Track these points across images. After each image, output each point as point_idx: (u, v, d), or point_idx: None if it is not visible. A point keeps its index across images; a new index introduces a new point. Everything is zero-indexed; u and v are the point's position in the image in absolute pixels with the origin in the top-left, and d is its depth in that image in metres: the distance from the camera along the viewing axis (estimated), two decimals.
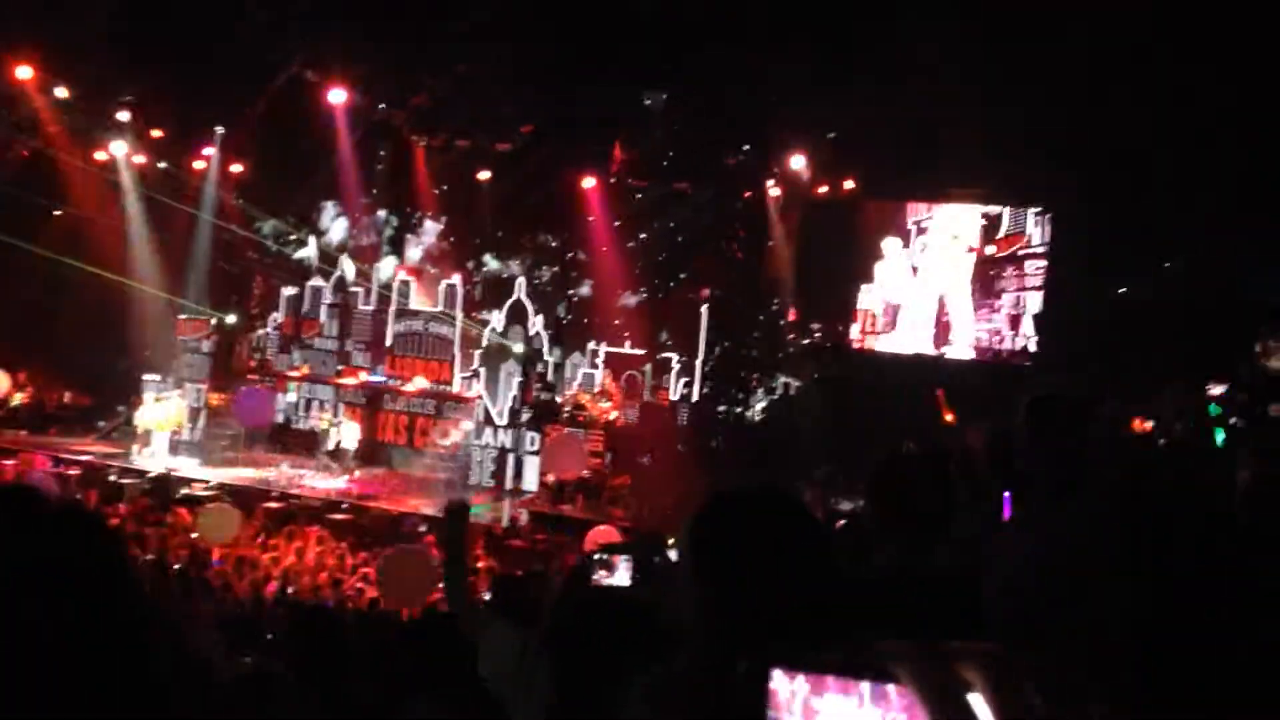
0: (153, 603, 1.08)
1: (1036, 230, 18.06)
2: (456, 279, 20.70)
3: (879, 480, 2.99)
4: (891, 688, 1.07)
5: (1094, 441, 3.14)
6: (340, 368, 20.89)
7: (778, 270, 20.07)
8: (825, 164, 19.13)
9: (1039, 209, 17.86)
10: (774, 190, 19.77)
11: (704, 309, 20.29)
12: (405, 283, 21.15)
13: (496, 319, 20.02)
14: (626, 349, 20.39)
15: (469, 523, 3.77)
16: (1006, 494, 3.50)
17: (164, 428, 18.99)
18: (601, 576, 3.30)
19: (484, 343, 19.76)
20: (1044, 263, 17.89)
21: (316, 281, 21.49)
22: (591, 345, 20.55)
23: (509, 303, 20.05)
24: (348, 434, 19.12)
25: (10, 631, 0.94)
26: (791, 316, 20.03)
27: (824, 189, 19.57)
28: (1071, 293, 17.17)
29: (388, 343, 20.82)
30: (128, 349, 21.33)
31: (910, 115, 15.64)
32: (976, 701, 1.04)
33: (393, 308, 20.81)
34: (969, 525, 3.19)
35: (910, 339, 19.06)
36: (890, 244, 19.26)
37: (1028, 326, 18.11)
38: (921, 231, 19.09)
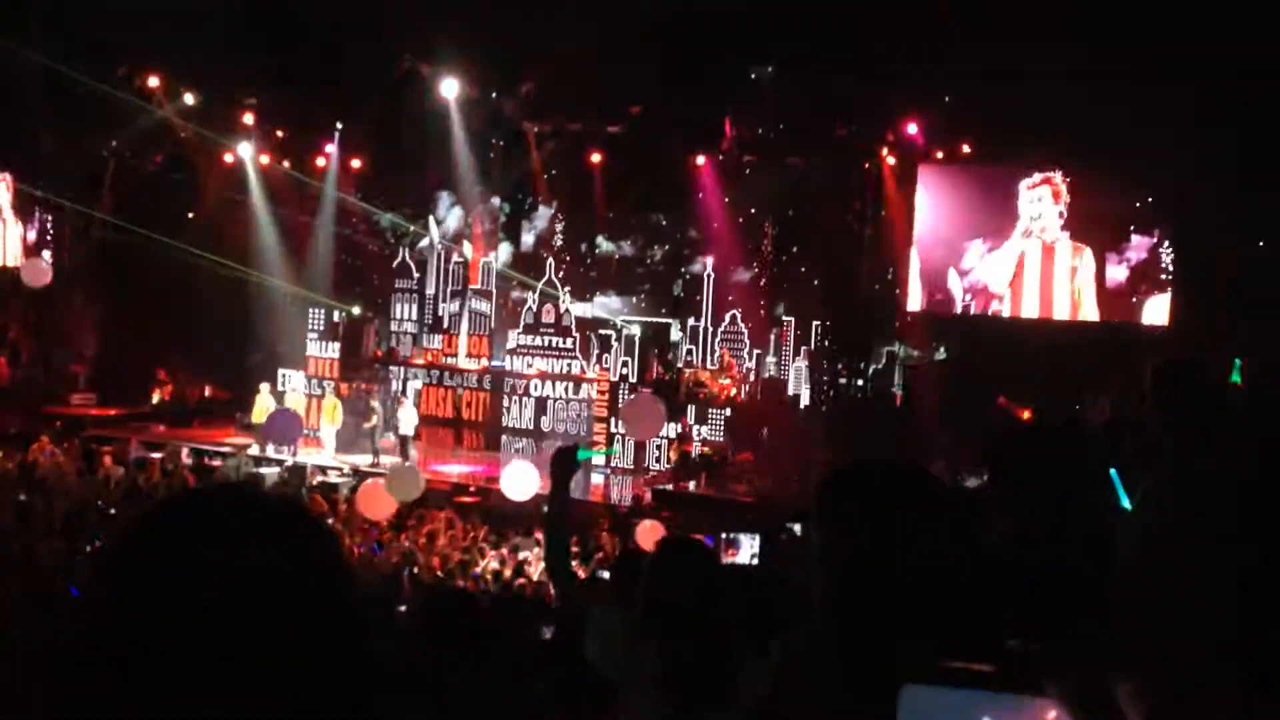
0: (360, 604, 1.07)
1: (1160, 192, 17.37)
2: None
3: (997, 452, 2.91)
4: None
5: (1226, 404, 3.01)
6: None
7: (894, 239, 19.73)
8: (941, 129, 18.69)
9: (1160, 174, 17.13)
10: (889, 158, 19.42)
11: (817, 282, 20.09)
12: (460, 263, 21.52)
13: (612, 300, 20.14)
14: (744, 324, 20.33)
15: (576, 469, 3.60)
16: (1113, 471, 3.37)
17: (332, 423, 19.36)
18: (729, 554, 3.29)
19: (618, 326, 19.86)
20: (1168, 226, 17.21)
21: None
22: (706, 323, 20.55)
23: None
24: (405, 419, 19.40)
25: (235, 636, 0.96)
26: (909, 286, 19.66)
27: (940, 155, 19.14)
28: (1201, 252, 16.48)
29: (444, 323, 21.34)
30: (262, 343, 22.12)
31: (1026, 78, 15.18)
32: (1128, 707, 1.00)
33: (450, 287, 21.30)
34: (1092, 500, 3.10)
35: (1032, 306, 18.54)
36: (1014, 208, 18.71)
37: (1154, 289, 17.45)
38: (1042, 196, 18.51)
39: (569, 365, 20.31)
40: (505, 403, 20.37)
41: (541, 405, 20.05)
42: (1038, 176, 18.37)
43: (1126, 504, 3.28)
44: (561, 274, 21.49)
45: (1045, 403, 14.38)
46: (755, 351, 20.33)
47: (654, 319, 21.85)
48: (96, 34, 17.60)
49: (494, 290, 21.59)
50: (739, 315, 20.53)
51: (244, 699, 0.96)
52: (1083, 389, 13.07)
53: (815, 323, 20.00)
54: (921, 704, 1.09)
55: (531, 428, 20.00)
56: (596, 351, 20.10)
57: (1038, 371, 15.51)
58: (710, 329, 20.46)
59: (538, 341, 20.69)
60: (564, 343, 20.51)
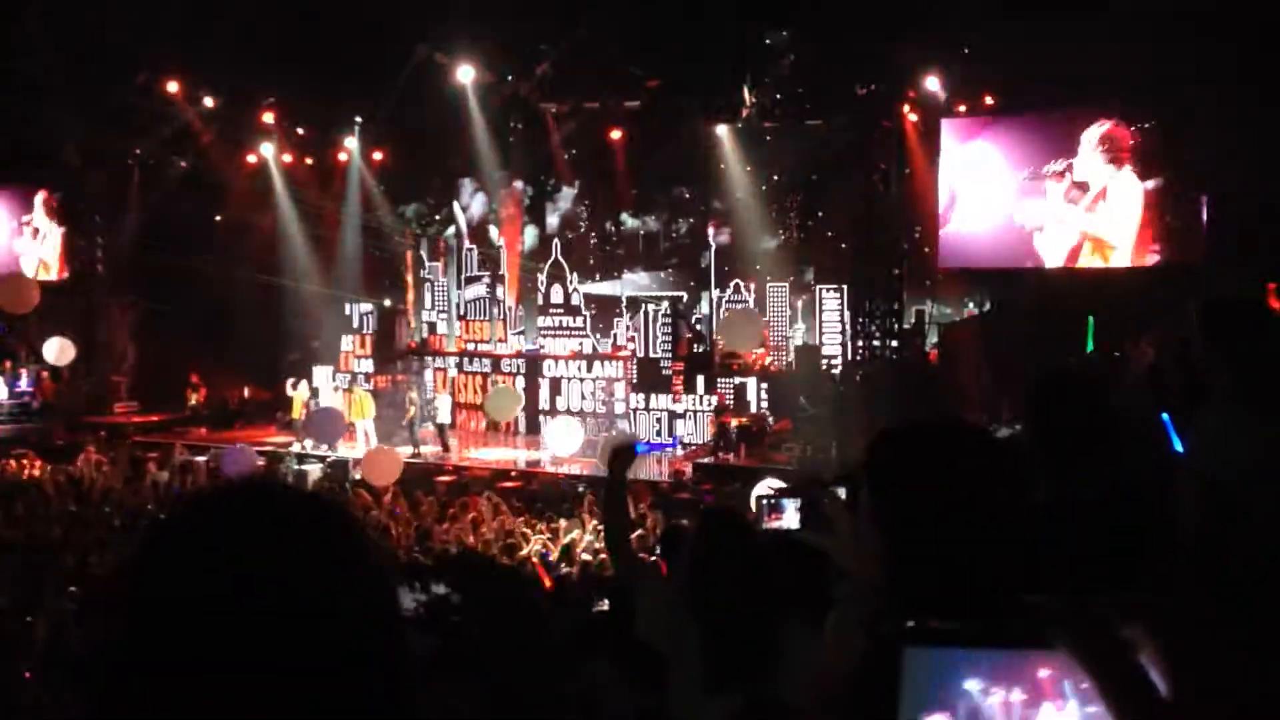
0: (395, 594, 1.06)
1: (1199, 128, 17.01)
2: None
3: (1032, 400, 2.85)
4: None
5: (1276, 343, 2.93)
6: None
7: (922, 196, 19.53)
8: (962, 83, 18.45)
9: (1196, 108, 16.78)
10: (910, 115, 19.20)
11: (845, 245, 19.95)
12: (469, 250, 21.69)
13: (639, 276, 20.14)
14: (771, 292, 20.29)
15: (633, 462, 3.68)
16: (1165, 416, 3.28)
17: (363, 416, 19.62)
18: (771, 519, 3.27)
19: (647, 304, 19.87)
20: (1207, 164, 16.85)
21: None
22: (732, 292, 20.50)
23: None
24: (442, 408, 19.43)
25: (266, 631, 0.95)
26: (939, 242, 19.47)
27: (963, 108, 18.89)
28: (1244, 189, 16.15)
29: (473, 310, 21.49)
30: (296, 341, 22.31)
31: (1049, 20, 14.92)
32: (1147, 663, 0.98)
33: (463, 274, 21.46)
34: (1136, 446, 3.03)
35: (1065, 252, 18.28)
36: (1055, 154, 18.41)
37: (1196, 228, 17.15)
38: (1072, 141, 18.21)
39: (580, 345, 20.41)
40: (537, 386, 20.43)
41: (556, 385, 20.08)
42: (1089, 122, 17.99)
43: (1179, 448, 3.21)
44: (573, 255, 21.50)
45: (1086, 352, 14.22)
46: (786, 317, 20.27)
47: (680, 293, 21.82)
48: (114, 43, 17.71)
49: (510, 275, 21.68)
50: (741, 284, 20.52)
51: (275, 698, 0.95)
52: (1124, 335, 12.90)
53: (845, 285, 19.89)
54: (923, 664, 1.09)
55: (566, 409, 20.05)
56: (624, 329, 20.12)
57: (1077, 320, 15.32)
58: (740, 298, 20.40)
59: (548, 322, 20.81)
60: (573, 322, 20.59)
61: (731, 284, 20.80)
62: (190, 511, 1.04)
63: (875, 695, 1.08)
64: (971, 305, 19.26)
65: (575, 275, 20.91)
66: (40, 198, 23.35)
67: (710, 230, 21.97)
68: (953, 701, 1.07)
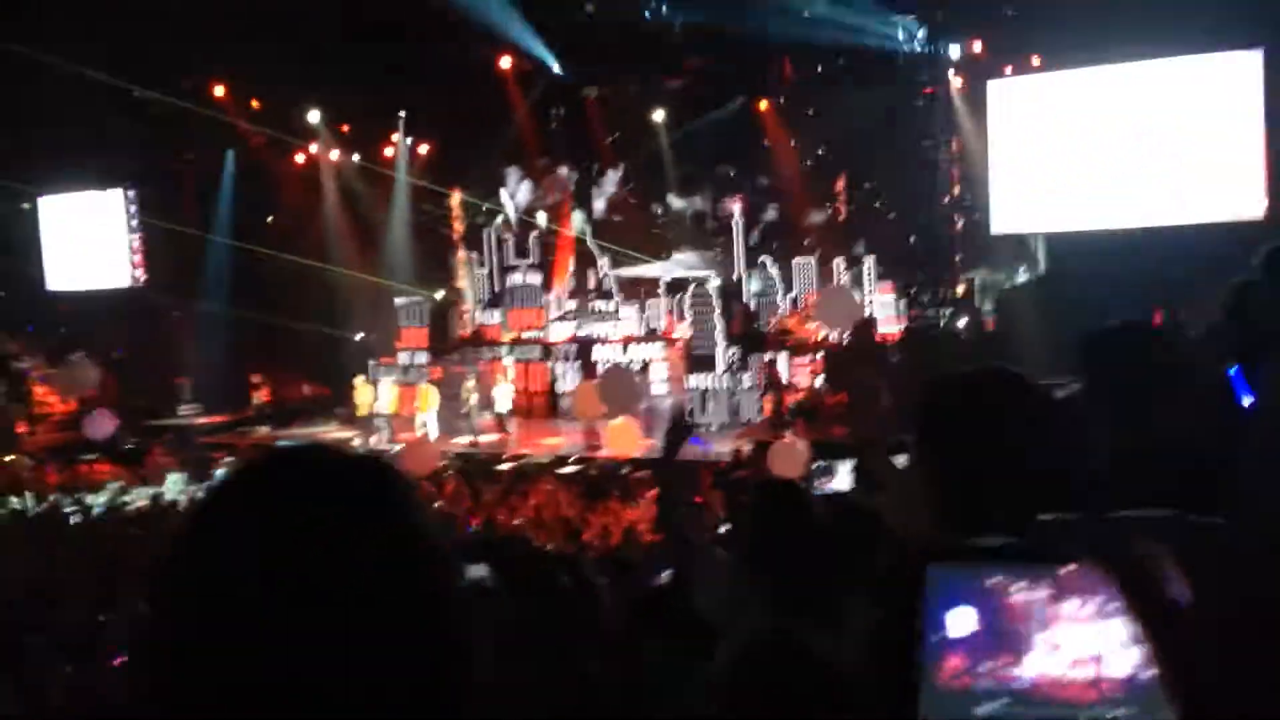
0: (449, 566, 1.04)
1: (1251, 73, 16.57)
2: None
3: (1088, 352, 2.81)
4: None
5: None
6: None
7: (971, 162, 19.25)
8: (1006, 43, 18.13)
9: (1256, 47, 16.31)
10: (955, 79, 18.92)
11: (893, 215, 19.75)
12: (503, 239, 21.81)
13: (690, 257, 20.11)
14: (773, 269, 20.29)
15: (688, 437, 3.70)
16: (1235, 368, 3.19)
17: (425, 409, 19.77)
18: (823, 482, 3.27)
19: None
20: (1263, 108, 16.41)
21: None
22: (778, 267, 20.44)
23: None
24: (501, 396, 19.49)
25: (320, 595, 0.93)
26: (990, 208, 19.18)
27: (1009, 70, 18.57)
28: None
29: (524, 298, 21.65)
30: (352, 337, 22.57)
31: None
32: (1167, 573, 0.98)
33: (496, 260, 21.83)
34: (1195, 398, 2.95)
35: (1120, 213, 17.91)
36: (1087, 112, 18.05)
37: (1255, 178, 16.72)
38: (1120, 95, 17.82)
39: (614, 327, 20.59)
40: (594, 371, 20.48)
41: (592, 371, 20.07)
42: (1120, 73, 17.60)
43: (1247, 401, 3.13)
44: (620, 238, 21.48)
45: (1145, 313, 13.93)
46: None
47: (729, 272, 21.73)
48: (161, 48, 17.98)
49: (558, 261, 21.77)
50: (767, 262, 20.43)
51: (326, 671, 0.93)
52: (1182, 293, 12.64)
53: (895, 256, 19.69)
54: (946, 582, 1.10)
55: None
56: (673, 310, 20.12)
57: (1137, 282, 15.01)
58: (791, 274, 20.31)
59: (600, 306, 21.05)
60: (623, 305, 20.60)
61: (763, 260, 20.73)
62: (240, 479, 1.02)
63: (900, 612, 1.09)
64: (1024, 271, 18.95)
65: (623, 258, 20.92)
66: (99, 203, 23.83)
67: (756, 207, 21.83)
68: (976, 598, 1.07)
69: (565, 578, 3.54)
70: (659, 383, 19.52)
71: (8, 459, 17.13)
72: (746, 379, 18.78)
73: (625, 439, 14.34)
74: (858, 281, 19.94)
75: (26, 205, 23.91)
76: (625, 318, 20.79)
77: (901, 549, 2.06)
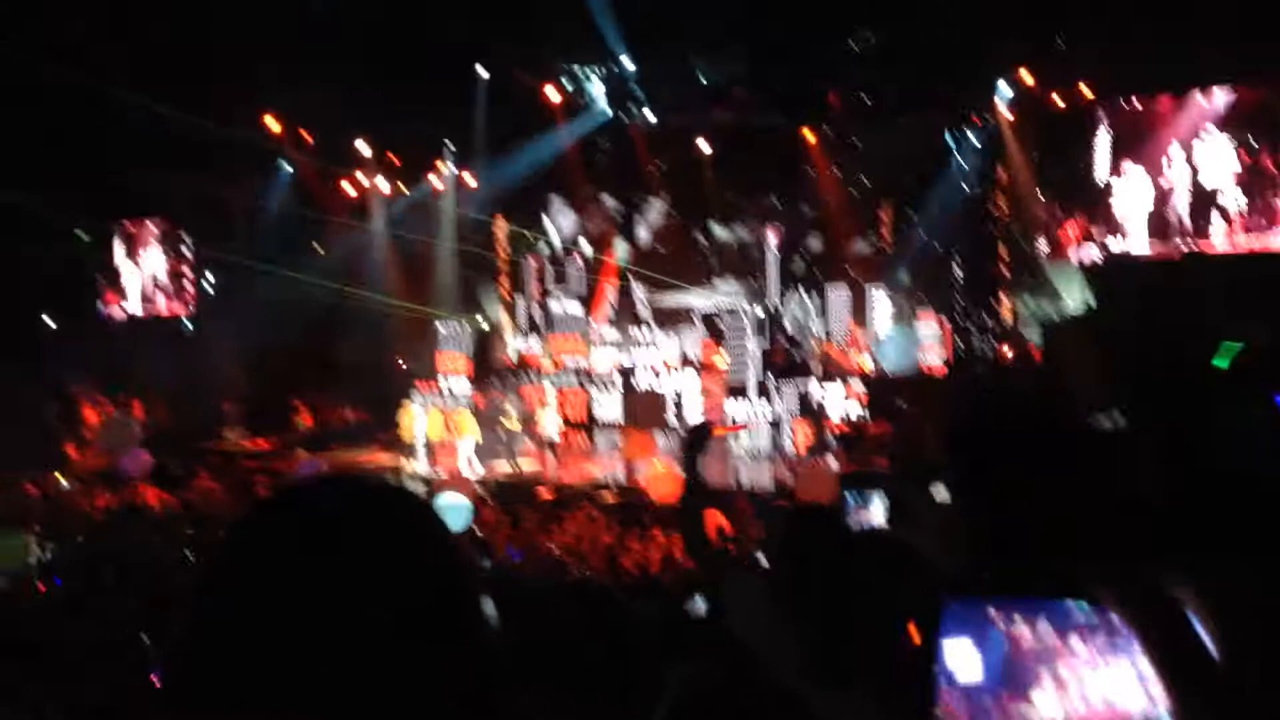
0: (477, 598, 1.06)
1: None
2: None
3: (1139, 386, 2.73)
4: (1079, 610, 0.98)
5: None
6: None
7: (1020, 192, 19.09)
8: (1057, 73, 18.00)
9: None
10: (1004, 110, 18.80)
11: (939, 244, 19.59)
12: (545, 267, 22.25)
13: (732, 285, 20.10)
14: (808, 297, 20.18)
15: (707, 444, 3.67)
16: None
17: (462, 435, 19.87)
18: (859, 514, 3.21)
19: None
20: None
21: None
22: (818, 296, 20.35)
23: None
24: (547, 422, 19.46)
25: (338, 620, 0.95)
26: (1040, 238, 19.00)
27: (1060, 100, 18.42)
28: None
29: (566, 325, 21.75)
30: (395, 364, 22.74)
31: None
32: (1195, 623, 0.92)
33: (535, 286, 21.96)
34: (1252, 433, 2.84)
35: (1167, 240, 17.67)
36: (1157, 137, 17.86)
37: None
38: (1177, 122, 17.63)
39: (654, 355, 20.57)
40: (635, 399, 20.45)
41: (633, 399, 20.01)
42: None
43: None
44: (664, 266, 21.49)
45: (1194, 346, 13.67)
46: (880, 319, 19.97)
47: (770, 300, 21.67)
48: (209, 81, 18.34)
49: (602, 289, 21.80)
50: (863, 286, 20.24)
51: (354, 687, 0.94)
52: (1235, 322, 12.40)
53: (939, 285, 19.53)
54: (966, 615, 1.08)
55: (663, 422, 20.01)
56: (714, 337, 20.08)
57: (1190, 313, 14.76)
58: (823, 304, 20.23)
59: (641, 334, 21.03)
60: (647, 333, 20.64)
61: (802, 288, 20.60)
62: (272, 504, 1.06)
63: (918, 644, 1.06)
64: (1073, 300, 18.72)
65: (664, 286, 20.95)
66: (144, 231, 24.29)
67: (798, 235, 21.77)
68: (989, 633, 1.06)
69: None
70: (698, 411, 19.43)
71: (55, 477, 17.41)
72: (783, 407, 18.67)
73: (664, 487, 14.21)
74: (900, 310, 19.78)
75: (83, 234, 24.42)
76: (665, 346, 20.75)
77: (930, 582, 2.00)
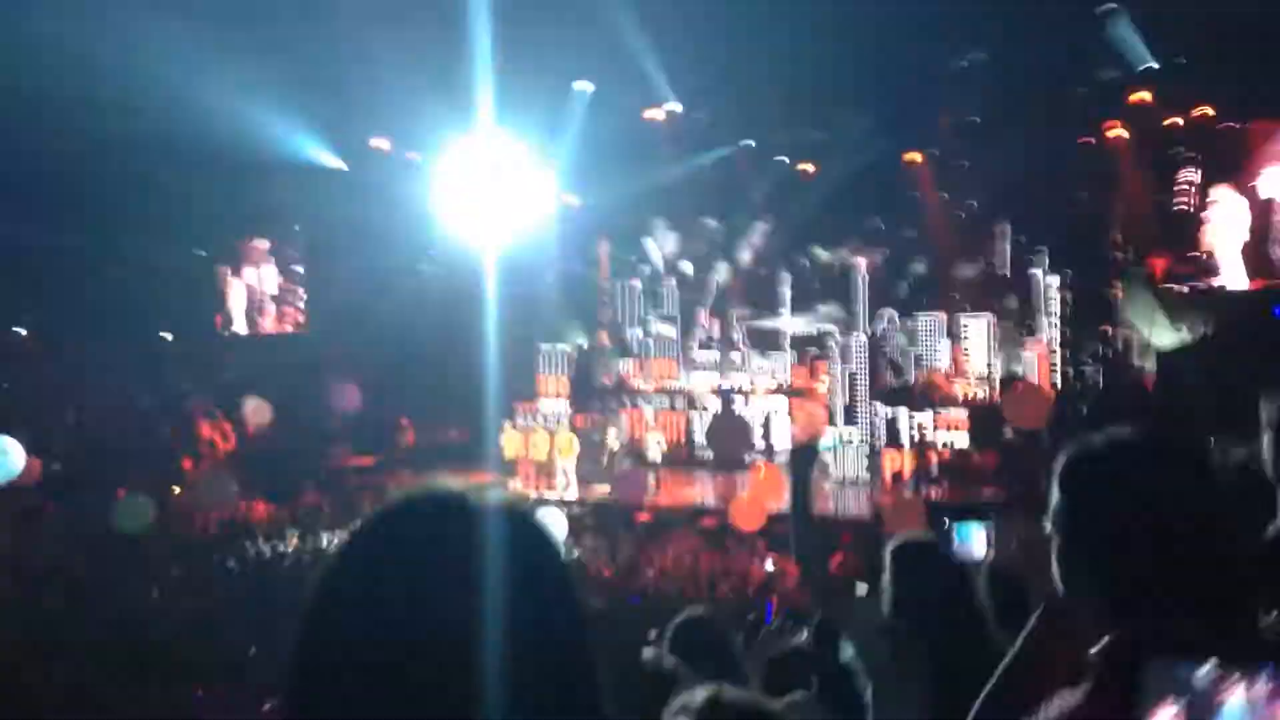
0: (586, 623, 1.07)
1: None
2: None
3: (1270, 417, 2.61)
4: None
5: None
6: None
7: (1133, 217, 18.54)
8: (1173, 93, 17.47)
9: None
10: (1121, 130, 18.29)
11: (1040, 273, 19.10)
12: (646, 289, 22.25)
13: (830, 310, 19.97)
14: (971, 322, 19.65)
15: (815, 461, 3.63)
16: None
17: (567, 454, 19.96)
18: (960, 545, 3.14)
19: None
20: None
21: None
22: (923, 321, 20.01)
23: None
24: (652, 443, 19.38)
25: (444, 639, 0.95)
26: (1155, 266, 18.40)
27: (1175, 120, 17.87)
28: None
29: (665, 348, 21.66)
30: (498, 384, 22.93)
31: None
32: None
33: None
34: None
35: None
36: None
37: None
38: None
39: (752, 379, 20.52)
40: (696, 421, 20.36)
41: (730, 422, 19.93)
42: None
43: None
44: (765, 290, 21.36)
45: None
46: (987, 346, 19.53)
47: (873, 326, 21.36)
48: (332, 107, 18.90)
49: (703, 311, 21.77)
50: (970, 312, 19.78)
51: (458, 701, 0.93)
52: None
53: (1048, 311, 19.03)
54: (1163, 677, 1.01)
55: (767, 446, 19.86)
56: (819, 362, 19.91)
57: None
58: (935, 329, 19.84)
59: (708, 358, 21.05)
60: (745, 357, 20.58)
61: (907, 314, 20.20)
62: (381, 520, 1.05)
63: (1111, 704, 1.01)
64: (1184, 329, 18.05)
65: (764, 310, 20.83)
66: (266, 250, 25.10)
67: (902, 260, 21.43)
68: (1186, 695, 0.98)
69: None
70: (788, 435, 19.28)
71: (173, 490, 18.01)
72: (882, 434, 18.40)
73: (750, 517, 14.00)
74: (1009, 336, 19.33)
75: (202, 252, 25.28)
76: (762, 370, 20.62)
77: (1061, 625, 1.94)
